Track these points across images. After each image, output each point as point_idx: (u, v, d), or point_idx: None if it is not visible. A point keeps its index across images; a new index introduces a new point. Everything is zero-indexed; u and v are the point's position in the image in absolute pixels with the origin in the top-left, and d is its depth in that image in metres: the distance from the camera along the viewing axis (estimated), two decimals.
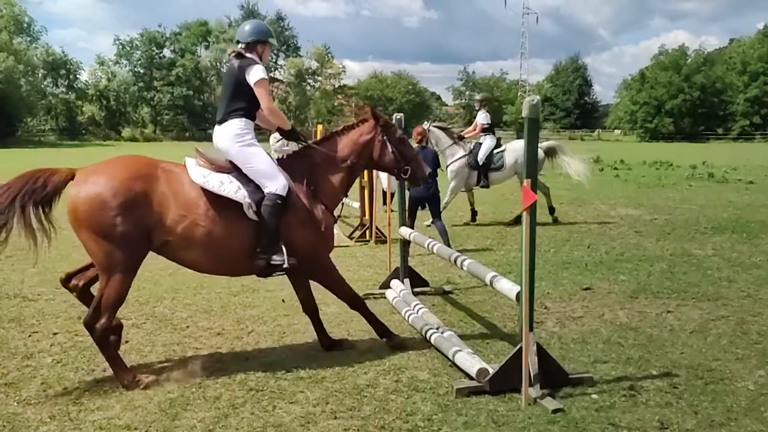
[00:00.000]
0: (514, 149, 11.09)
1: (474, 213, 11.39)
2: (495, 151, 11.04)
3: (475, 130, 11.37)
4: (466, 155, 10.88)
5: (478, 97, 12.38)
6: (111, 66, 68.09)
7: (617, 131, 76.09)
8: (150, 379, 4.20)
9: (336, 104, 74.47)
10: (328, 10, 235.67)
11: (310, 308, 4.95)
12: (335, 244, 8.83)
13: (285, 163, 4.76)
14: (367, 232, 9.60)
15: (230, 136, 4.54)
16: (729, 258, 8.12)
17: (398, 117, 5.90)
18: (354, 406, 3.89)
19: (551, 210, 11.10)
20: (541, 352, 4.08)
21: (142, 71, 68.31)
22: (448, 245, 7.53)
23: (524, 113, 3.98)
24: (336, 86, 77.72)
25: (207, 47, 70.82)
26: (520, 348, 3.97)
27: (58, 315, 5.74)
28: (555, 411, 3.79)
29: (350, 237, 9.64)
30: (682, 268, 7.56)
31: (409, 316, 5.44)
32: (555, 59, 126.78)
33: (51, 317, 5.67)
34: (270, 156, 4.65)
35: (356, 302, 4.96)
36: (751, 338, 5.13)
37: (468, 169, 10.89)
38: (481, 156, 10.88)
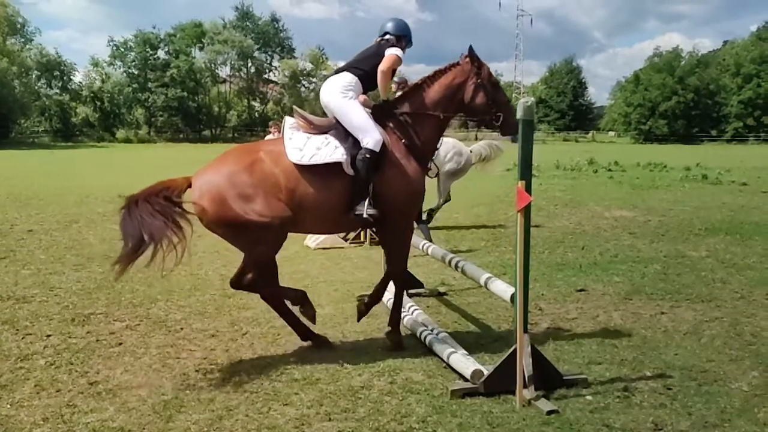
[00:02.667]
0: (445, 142, 10.67)
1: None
2: None
3: None
4: None
5: (396, 79, 9.79)
6: (105, 67, 67.72)
7: (611, 133, 76.47)
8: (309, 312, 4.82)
9: None
10: (323, 12, 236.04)
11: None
12: (329, 246, 8.99)
13: (379, 117, 4.80)
14: (362, 233, 9.58)
15: (337, 86, 4.76)
16: (723, 259, 8.15)
17: None
18: (348, 408, 3.89)
19: (430, 211, 9.90)
20: (536, 354, 4.08)
21: (136, 72, 67.87)
22: (430, 240, 7.60)
23: (519, 115, 3.99)
24: None
25: (201, 49, 70.51)
26: (515, 349, 3.97)
27: (51, 317, 5.71)
28: (549, 412, 3.79)
29: (345, 239, 9.61)
30: (676, 270, 7.58)
31: (403, 318, 5.44)
32: (549, 61, 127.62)
33: (44, 319, 5.65)
34: (366, 112, 4.75)
35: (399, 280, 4.95)
36: (744, 339, 5.15)
37: None
38: None
